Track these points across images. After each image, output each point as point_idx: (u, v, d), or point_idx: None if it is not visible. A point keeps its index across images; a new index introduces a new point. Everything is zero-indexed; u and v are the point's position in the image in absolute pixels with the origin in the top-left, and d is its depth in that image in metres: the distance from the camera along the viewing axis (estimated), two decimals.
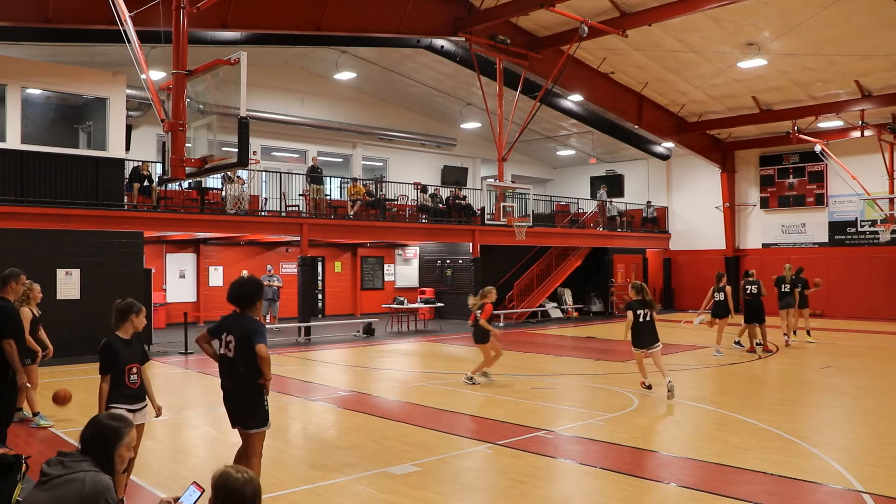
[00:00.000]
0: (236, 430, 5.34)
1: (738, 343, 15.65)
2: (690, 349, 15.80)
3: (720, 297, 14.70)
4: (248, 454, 5.26)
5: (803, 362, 14.03)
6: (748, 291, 15.24)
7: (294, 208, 20.11)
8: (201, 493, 3.04)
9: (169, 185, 16.93)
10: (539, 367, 13.64)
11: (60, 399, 7.09)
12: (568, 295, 25.70)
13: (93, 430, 3.15)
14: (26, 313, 8.03)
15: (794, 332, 17.13)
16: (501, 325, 22.46)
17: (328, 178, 21.71)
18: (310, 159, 23.84)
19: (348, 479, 6.35)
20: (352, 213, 20.37)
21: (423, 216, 22.30)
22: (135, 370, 5.30)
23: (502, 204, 17.96)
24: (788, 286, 16.26)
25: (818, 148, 22.74)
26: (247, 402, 5.18)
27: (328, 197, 20.80)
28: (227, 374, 5.25)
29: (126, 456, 3.18)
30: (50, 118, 16.44)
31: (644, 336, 10.21)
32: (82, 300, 14.46)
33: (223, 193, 18.10)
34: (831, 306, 24.64)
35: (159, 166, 15.90)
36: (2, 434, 7.07)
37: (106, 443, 3.11)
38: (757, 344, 15.24)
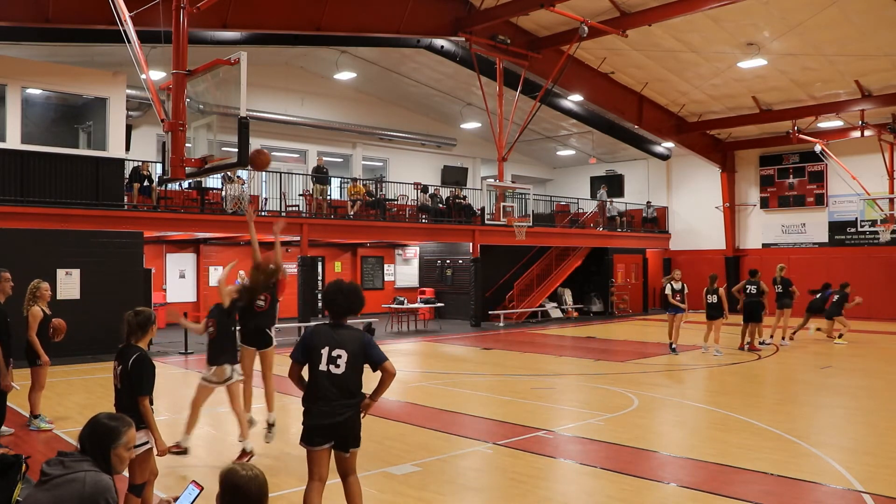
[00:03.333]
0: (313, 448, 4.73)
1: (763, 343, 15.93)
2: (690, 349, 15.80)
3: (713, 298, 14.73)
4: (349, 472, 4.86)
5: (803, 362, 14.03)
6: (748, 291, 15.34)
7: (294, 208, 20.10)
8: (200, 492, 3.05)
9: (169, 185, 16.92)
10: (539, 367, 13.63)
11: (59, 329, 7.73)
12: (568, 295, 25.68)
13: (90, 429, 3.14)
14: (36, 312, 7.98)
15: (794, 334, 17.12)
16: (501, 324, 22.45)
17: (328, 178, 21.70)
18: (310, 159, 23.88)
19: None
20: (352, 213, 20.36)
21: (423, 216, 22.29)
22: None
23: (502, 204, 17.97)
24: (781, 287, 16.17)
25: (818, 148, 22.73)
26: (353, 422, 4.70)
27: (329, 197, 20.79)
28: (331, 393, 4.62)
29: (125, 456, 3.16)
30: (50, 118, 16.42)
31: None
32: (82, 300, 14.44)
33: (223, 193, 18.09)
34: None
35: (159, 166, 15.90)
36: None
37: (102, 442, 3.10)
38: (748, 343, 15.45)
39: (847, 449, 7.42)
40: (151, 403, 4.89)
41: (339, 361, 4.62)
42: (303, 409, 4.76)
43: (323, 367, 4.64)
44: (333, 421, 4.63)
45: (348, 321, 4.86)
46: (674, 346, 15.09)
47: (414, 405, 9.78)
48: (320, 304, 24.70)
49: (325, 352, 4.65)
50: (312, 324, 18.94)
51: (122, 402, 4.86)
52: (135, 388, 4.77)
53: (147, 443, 4.83)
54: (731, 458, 6.89)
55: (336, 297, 4.81)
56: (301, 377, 4.82)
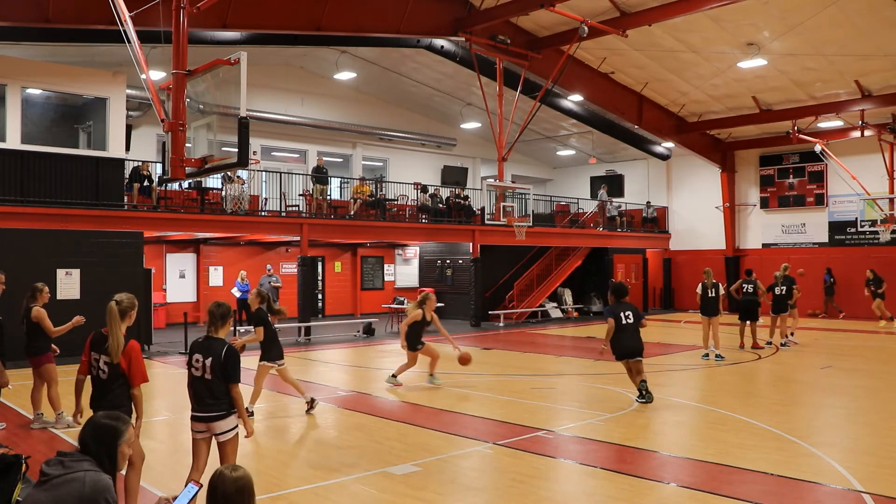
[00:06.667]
0: (626, 360, 9.79)
1: (769, 343, 15.82)
2: (690, 349, 15.80)
3: (713, 293, 14.68)
4: (640, 371, 9.78)
5: (803, 362, 14.02)
6: (745, 290, 15.32)
7: (294, 208, 20.11)
8: (199, 489, 3.06)
9: (169, 185, 16.93)
10: (539, 367, 13.64)
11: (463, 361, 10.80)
12: (568, 295, 25.68)
13: (92, 430, 3.16)
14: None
15: (791, 334, 16.74)
16: (501, 324, 22.46)
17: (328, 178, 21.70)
18: (310, 159, 23.89)
19: (348, 479, 6.35)
20: (352, 213, 20.36)
21: (423, 216, 22.29)
22: None
23: (502, 204, 17.95)
24: (784, 288, 15.59)
25: (818, 148, 22.71)
26: (641, 345, 9.76)
27: (329, 197, 20.80)
28: (628, 333, 9.68)
29: (127, 452, 3.21)
30: (50, 118, 16.43)
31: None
32: (82, 300, 14.43)
33: (223, 193, 18.10)
34: (831, 306, 24.62)
35: (159, 166, 15.90)
36: None
37: (108, 442, 3.12)
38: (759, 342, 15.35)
39: (847, 449, 7.41)
40: None
41: (630, 317, 9.65)
42: (617, 343, 9.69)
43: (623, 321, 9.57)
44: (632, 344, 9.59)
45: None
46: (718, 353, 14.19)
47: (414, 405, 9.78)
48: (320, 304, 24.77)
49: (623, 314, 9.62)
50: (312, 323, 18.99)
51: (213, 392, 5.05)
52: (229, 377, 5.03)
53: (237, 426, 5.13)
54: (731, 458, 6.89)
55: (625, 288, 10.07)
56: (608, 331, 9.65)
